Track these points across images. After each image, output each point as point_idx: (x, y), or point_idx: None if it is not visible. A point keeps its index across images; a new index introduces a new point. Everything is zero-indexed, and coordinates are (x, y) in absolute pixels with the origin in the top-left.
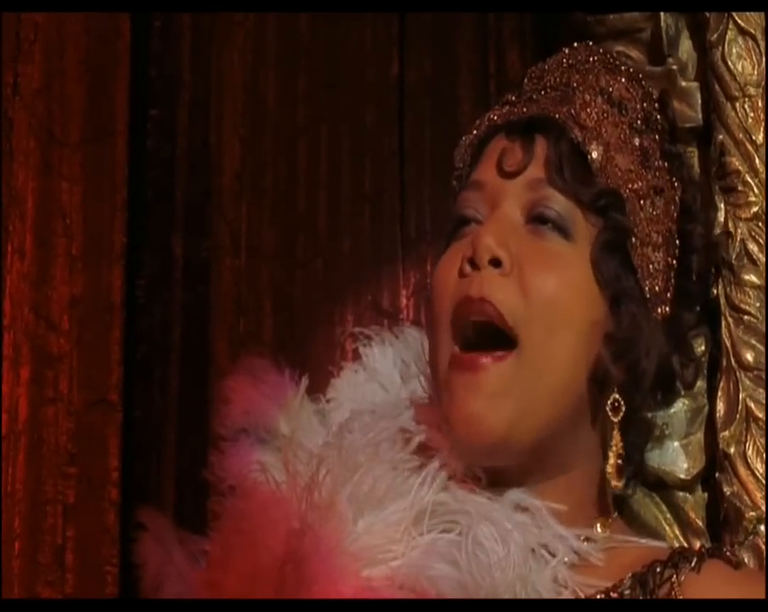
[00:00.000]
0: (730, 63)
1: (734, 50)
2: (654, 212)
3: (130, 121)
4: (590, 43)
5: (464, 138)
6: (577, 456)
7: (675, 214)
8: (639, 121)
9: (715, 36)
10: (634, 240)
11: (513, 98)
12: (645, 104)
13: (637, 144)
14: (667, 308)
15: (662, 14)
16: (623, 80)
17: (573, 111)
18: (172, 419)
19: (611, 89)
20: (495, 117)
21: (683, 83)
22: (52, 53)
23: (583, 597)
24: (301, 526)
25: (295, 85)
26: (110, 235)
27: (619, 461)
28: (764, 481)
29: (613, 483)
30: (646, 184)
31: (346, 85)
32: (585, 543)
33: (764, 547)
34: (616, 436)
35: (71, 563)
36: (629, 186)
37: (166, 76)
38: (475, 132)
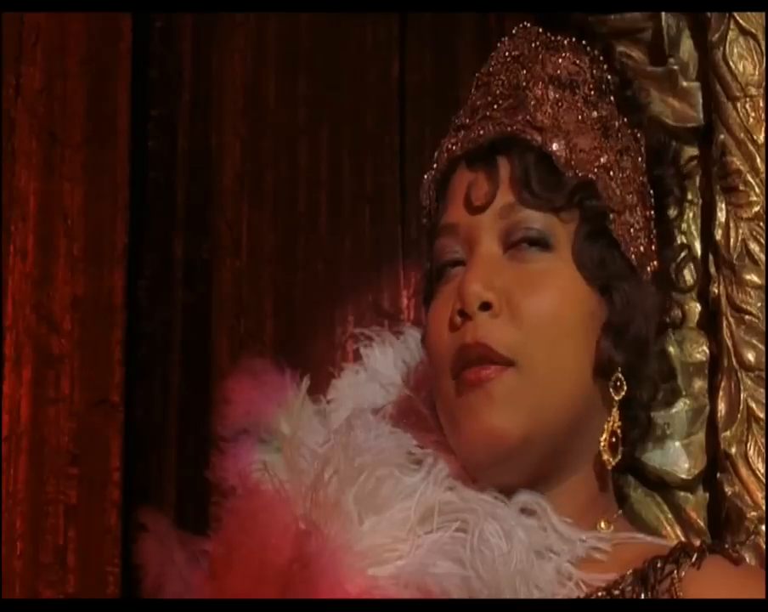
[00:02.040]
0: (731, 63)
1: (735, 50)
2: (624, 175)
3: (131, 122)
4: (527, 24)
5: (426, 175)
6: (584, 456)
7: (644, 165)
8: (592, 92)
9: (716, 36)
10: (611, 216)
11: (467, 120)
12: (594, 71)
13: (595, 116)
14: (655, 263)
15: (663, 13)
16: (568, 55)
17: (528, 117)
18: (173, 419)
19: (558, 72)
20: (453, 147)
21: (684, 83)
22: (53, 53)
23: (585, 590)
24: (307, 525)
25: (295, 85)
26: (112, 235)
27: (613, 439)
28: (765, 481)
29: (605, 457)
30: (611, 153)
31: (346, 86)
32: (590, 540)
33: (765, 547)
34: (614, 414)
35: (73, 564)
36: (596, 164)
37: (168, 76)
38: (436, 166)
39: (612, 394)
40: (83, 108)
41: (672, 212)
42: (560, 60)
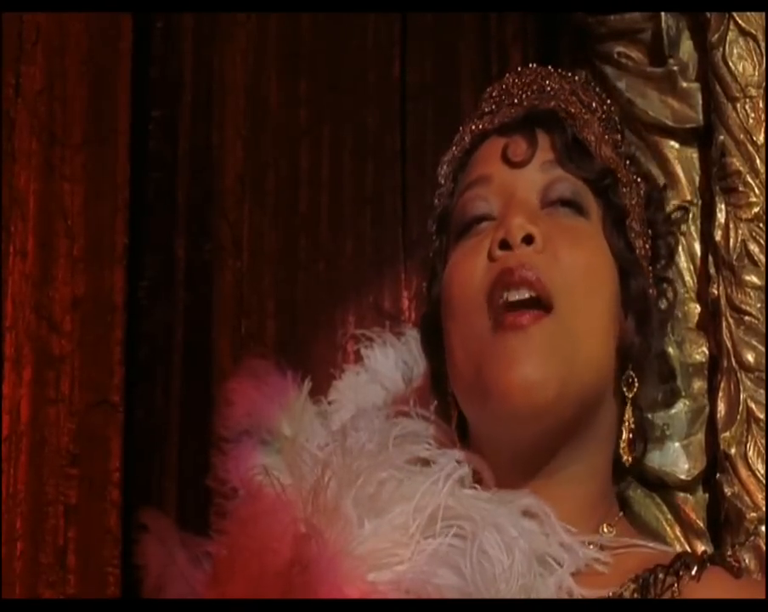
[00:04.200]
0: (731, 63)
1: (735, 51)
2: (632, 202)
3: (132, 122)
4: (535, 66)
5: (444, 155)
6: (591, 454)
7: (643, 207)
8: (604, 119)
9: (716, 36)
10: (628, 221)
11: (493, 106)
12: (604, 107)
13: (608, 137)
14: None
15: (663, 14)
16: (579, 88)
17: (561, 105)
18: (173, 420)
19: (578, 92)
20: (481, 126)
21: (684, 84)
22: (54, 53)
23: None
24: (307, 530)
25: (296, 86)
26: (112, 235)
27: (631, 436)
28: (764, 482)
29: (625, 457)
30: (624, 172)
31: (347, 86)
32: (591, 548)
33: (764, 548)
34: (629, 411)
35: (73, 564)
36: (617, 173)
37: (168, 76)
38: (456, 147)
39: (625, 391)
40: (84, 108)
41: (661, 254)
42: (574, 86)
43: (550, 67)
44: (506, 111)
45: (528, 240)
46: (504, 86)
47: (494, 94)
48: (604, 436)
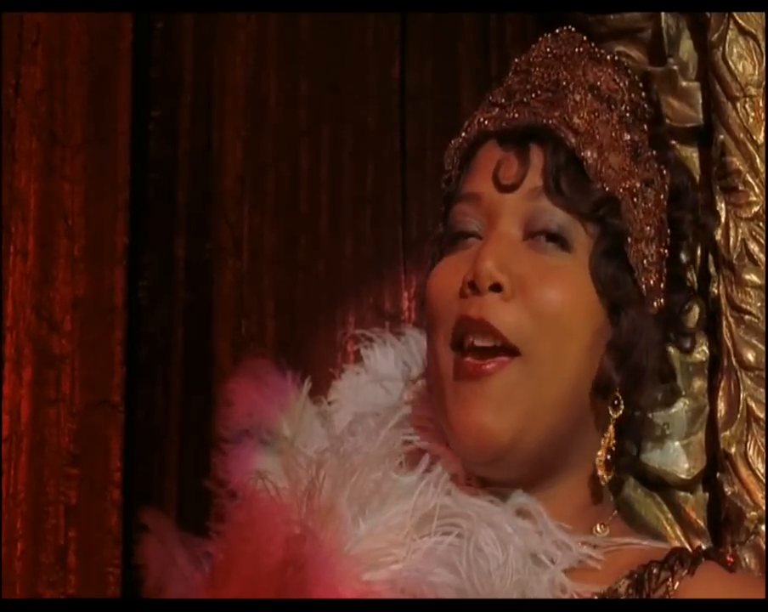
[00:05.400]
0: (731, 63)
1: (735, 50)
2: (646, 206)
3: (132, 123)
4: (572, 29)
5: (453, 141)
6: (577, 462)
7: (665, 202)
8: (628, 114)
9: (716, 36)
10: (629, 239)
11: (502, 100)
12: (632, 95)
13: (627, 139)
14: (662, 301)
15: (663, 13)
16: (609, 71)
17: (565, 116)
18: (174, 420)
19: (599, 83)
20: (486, 122)
21: (684, 83)
22: (54, 54)
23: None
24: (301, 531)
25: (296, 86)
26: (112, 236)
27: (608, 456)
28: (765, 481)
29: (600, 473)
30: (638, 179)
31: (347, 87)
32: (585, 547)
33: (765, 547)
34: (611, 430)
35: (73, 564)
36: (623, 185)
37: (168, 77)
38: (464, 135)
39: (611, 412)
40: (84, 108)
41: (684, 258)
42: (600, 73)
43: (582, 40)
44: (511, 114)
45: (496, 288)
46: (527, 67)
47: (516, 78)
48: (585, 452)
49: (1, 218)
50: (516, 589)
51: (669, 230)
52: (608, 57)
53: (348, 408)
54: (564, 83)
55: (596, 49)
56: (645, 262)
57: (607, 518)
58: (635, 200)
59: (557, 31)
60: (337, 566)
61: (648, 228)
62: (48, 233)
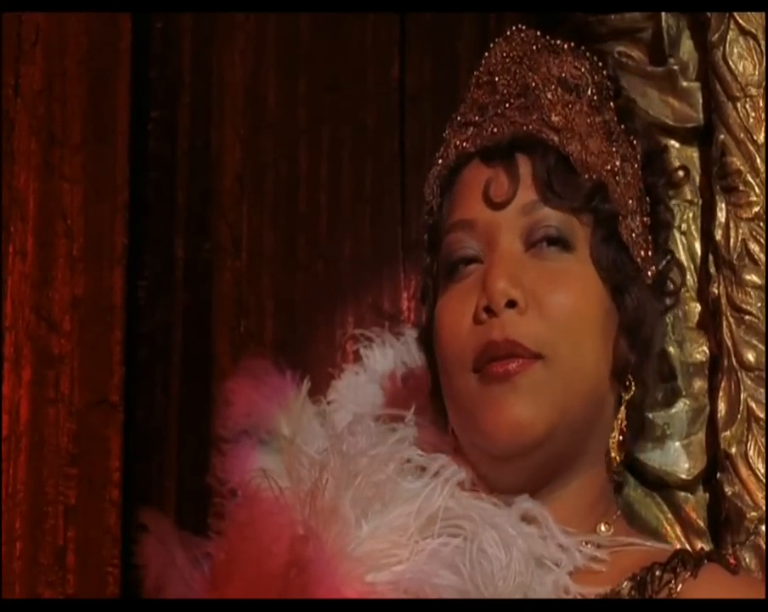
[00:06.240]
0: (731, 63)
1: (735, 50)
2: (626, 180)
3: (131, 123)
4: (522, 27)
5: (431, 170)
6: (591, 457)
7: (640, 171)
8: (595, 97)
9: (716, 36)
10: (620, 219)
11: (476, 117)
12: (595, 77)
13: (599, 121)
14: (654, 267)
15: (663, 13)
16: (569, 59)
17: (544, 117)
18: (173, 420)
19: (564, 74)
20: (464, 143)
21: (684, 83)
22: (53, 54)
23: None
24: (305, 532)
25: (295, 86)
26: (111, 236)
27: (620, 437)
28: (765, 481)
29: (613, 454)
30: (616, 158)
31: (346, 86)
32: (589, 547)
33: (765, 547)
34: (622, 411)
35: (72, 564)
36: (606, 168)
37: (167, 77)
38: (441, 161)
39: (623, 394)
40: (83, 108)
41: (663, 219)
42: (563, 63)
43: (537, 36)
44: (489, 129)
45: (511, 304)
46: (490, 77)
47: (480, 90)
48: (601, 443)
49: (0, 217)
50: (519, 591)
51: (647, 198)
52: (565, 45)
53: (348, 408)
54: (533, 85)
55: (551, 41)
56: (634, 235)
57: (611, 516)
58: (617, 178)
59: (508, 32)
60: (340, 567)
61: (631, 201)
62: (48, 233)
